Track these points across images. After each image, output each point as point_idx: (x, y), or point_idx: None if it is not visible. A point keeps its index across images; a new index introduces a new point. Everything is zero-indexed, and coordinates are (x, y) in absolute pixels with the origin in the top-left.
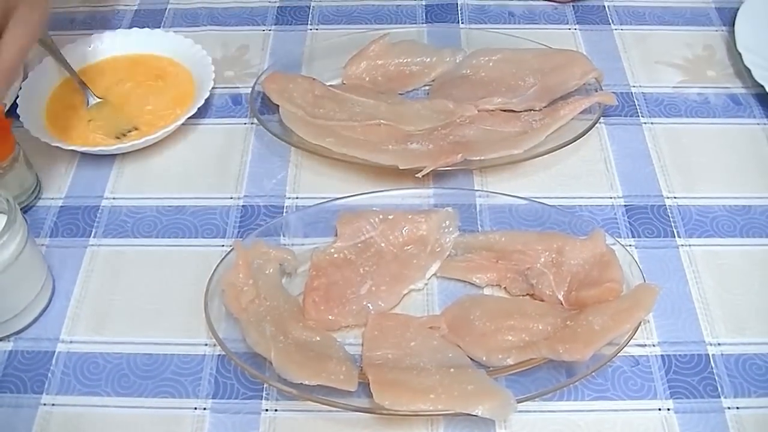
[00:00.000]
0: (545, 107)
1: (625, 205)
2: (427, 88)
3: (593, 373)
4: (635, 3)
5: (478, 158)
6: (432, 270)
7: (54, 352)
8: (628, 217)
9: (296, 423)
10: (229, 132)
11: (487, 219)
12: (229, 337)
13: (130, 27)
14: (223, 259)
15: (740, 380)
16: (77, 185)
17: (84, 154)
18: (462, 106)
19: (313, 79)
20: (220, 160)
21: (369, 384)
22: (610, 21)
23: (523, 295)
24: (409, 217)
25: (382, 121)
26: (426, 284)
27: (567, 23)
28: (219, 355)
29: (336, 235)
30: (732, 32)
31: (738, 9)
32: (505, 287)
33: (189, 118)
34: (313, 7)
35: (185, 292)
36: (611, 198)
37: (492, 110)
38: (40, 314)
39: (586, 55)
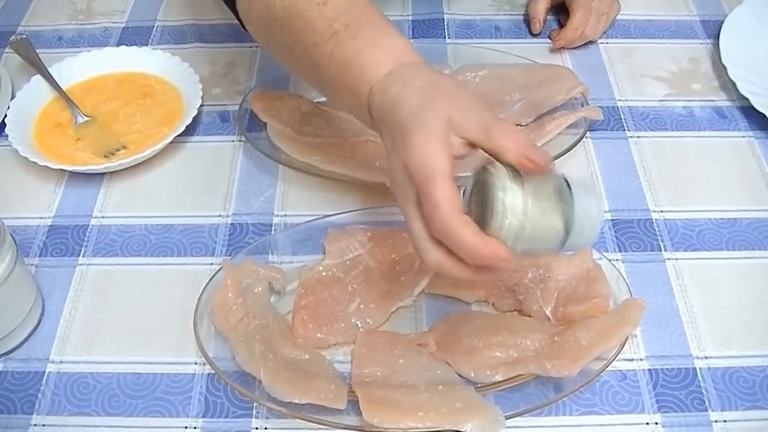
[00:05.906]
0: (532, 122)
1: (612, 220)
2: None
3: (581, 389)
4: (620, 17)
5: (465, 174)
6: (420, 287)
7: (44, 372)
8: (614, 232)
9: None
10: (217, 150)
11: None
12: (219, 356)
13: (118, 45)
14: (212, 277)
15: (727, 393)
16: (66, 204)
17: (72, 173)
18: None
19: (301, 96)
20: (208, 178)
21: (358, 402)
22: None
23: (510, 311)
24: (397, 234)
25: (369, 137)
26: (414, 301)
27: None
28: (209, 374)
29: (324, 252)
30: (717, 45)
31: (722, 22)
32: (493, 303)
33: (177, 136)
34: None
35: (174, 311)
36: None
37: None
38: (30, 334)
39: (572, 70)
